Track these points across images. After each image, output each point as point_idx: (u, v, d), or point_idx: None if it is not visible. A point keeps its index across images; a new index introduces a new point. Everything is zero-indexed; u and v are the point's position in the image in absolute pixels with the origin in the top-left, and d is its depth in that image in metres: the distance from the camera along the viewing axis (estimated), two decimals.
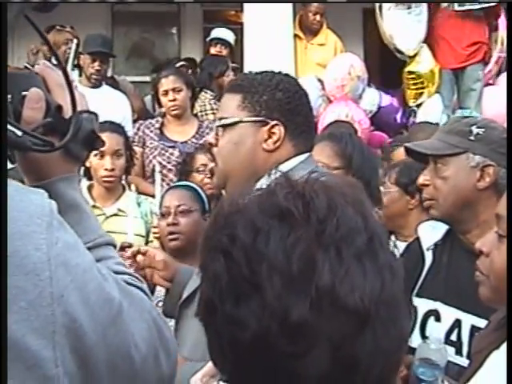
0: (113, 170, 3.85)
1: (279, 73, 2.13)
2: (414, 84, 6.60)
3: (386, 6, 6.71)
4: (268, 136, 2.01)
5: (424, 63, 6.62)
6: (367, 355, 0.90)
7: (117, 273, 1.17)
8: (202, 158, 4.14)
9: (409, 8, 6.60)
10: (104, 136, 4.23)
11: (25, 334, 0.97)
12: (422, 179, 2.36)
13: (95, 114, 1.28)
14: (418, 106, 6.59)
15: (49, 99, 1.21)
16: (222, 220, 0.97)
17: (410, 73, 6.64)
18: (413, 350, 2.18)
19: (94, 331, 1.04)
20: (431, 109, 6.44)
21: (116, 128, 3.93)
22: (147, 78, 7.53)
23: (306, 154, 2.06)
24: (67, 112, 1.22)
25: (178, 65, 6.47)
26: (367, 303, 0.89)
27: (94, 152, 3.75)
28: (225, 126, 2.04)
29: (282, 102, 2.04)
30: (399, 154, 4.16)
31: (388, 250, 0.96)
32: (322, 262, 0.89)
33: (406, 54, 6.65)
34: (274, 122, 2.01)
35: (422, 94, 6.60)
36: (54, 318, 0.99)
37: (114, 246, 1.29)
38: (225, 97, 2.12)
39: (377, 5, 6.76)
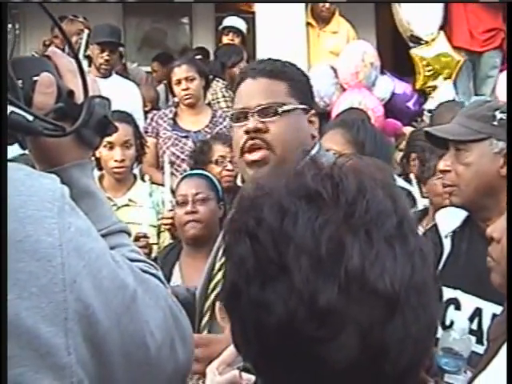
0: (123, 160, 3.82)
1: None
2: (420, 67, 6.59)
3: None
4: (309, 123, 2.10)
5: (433, 48, 6.59)
6: (397, 342, 0.88)
7: (132, 260, 1.15)
8: (220, 149, 4.07)
9: None
10: None
11: (36, 321, 0.95)
12: (442, 165, 2.33)
13: (108, 100, 1.26)
14: (431, 92, 6.55)
15: (60, 84, 1.19)
16: (247, 203, 0.95)
17: (416, 55, 6.63)
18: None
19: (107, 318, 1.02)
20: (443, 95, 6.38)
21: (124, 118, 3.89)
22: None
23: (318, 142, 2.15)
24: (79, 97, 1.21)
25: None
26: (397, 288, 0.87)
27: (104, 143, 3.75)
28: (278, 112, 2.03)
29: (312, 91, 2.15)
30: None
31: (417, 234, 0.93)
32: (351, 244, 0.87)
33: (423, 40, 6.62)
34: (314, 111, 2.11)
35: (429, 77, 6.56)
36: (66, 305, 0.97)
37: (129, 234, 1.27)
38: (262, 82, 2.09)
39: None
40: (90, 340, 1.00)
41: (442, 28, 6.66)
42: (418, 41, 6.67)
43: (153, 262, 1.25)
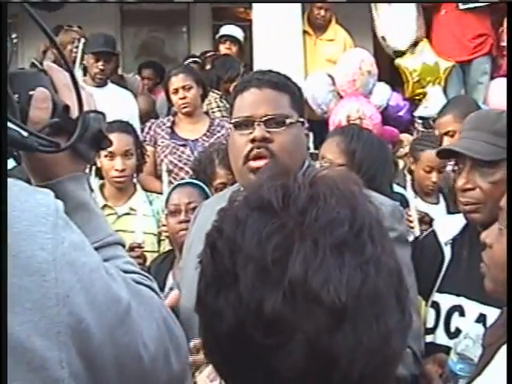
0: (123, 170, 3.85)
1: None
2: (407, 75, 6.65)
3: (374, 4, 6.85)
4: (304, 136, 2.18)
5: (417, 58, 6.65)
6: (347, 351, 0.87)
7: (126, 272, 1.17)
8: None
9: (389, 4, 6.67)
10: (113, 136, 4.20)
11: (30, 335, 0.96)
12: (462, 183, 2.24)
13: (103, 114, 1.28)
14: (421, 99, 6.60)
15: (56, 99, 1.21)
16: (217, 215, 0.98)
17: (400, 65, 6.72)
18: (439, 347, 2.17)
19: (100, 331, 1.04)
20: (433, 102, 6.40)
21: (125, 127, 3.93)
22: None
23: None
24: (74, 112, 1.22)
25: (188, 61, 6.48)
26: (343, 297, 0.86)
27: (105, 153, 3.78)
28: (285, 123, 2.09)
29: (304, 105, 2.23)
30: (432, 156, 4.11)
31: (380, 243, 0.92)
32: (296, 253, 0.87)
33: (398, 51, 6.71)
34: (307, 125, 2.19)
35: (417, 85, 6.62)
36: (59, 319, 0.99)
37: (123, 246, 1.28)
38: (269, 93, 2.12)
39: (372, 5, 6.83)
40: (84, 353, 1.02)
41: (417, 42, 6.72)
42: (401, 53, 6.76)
43: (147, 274, 1.26)
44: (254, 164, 2.06)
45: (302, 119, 2.15)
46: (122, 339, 1.07)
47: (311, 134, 5.49)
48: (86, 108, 1.23)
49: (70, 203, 1.13)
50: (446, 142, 3.78)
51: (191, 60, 6.64)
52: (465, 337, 2.01)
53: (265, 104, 2.11)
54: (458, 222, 2.34)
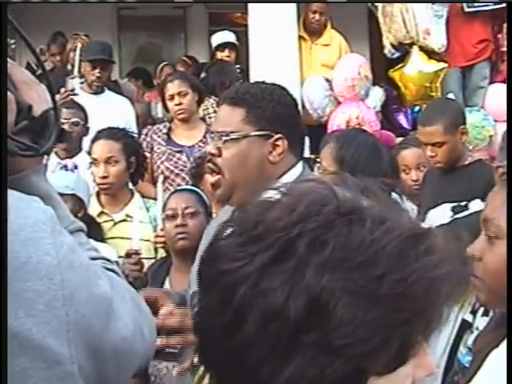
0: (106, 177, 3.83)
1: (275, 85, 2.24)
2: (406, 81, 6.66)
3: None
4: (272, 148, 2.13)
5: (410, 66, 6.67)
6: None
7: (92, 259, 1.22)
8: None
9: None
10: (98, 144, 4.23)
11: (45, 335, 1.03)
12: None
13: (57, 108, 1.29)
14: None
15: (19, 100, 1.21)
16: None
17: (394, 76, 6.72)
18: None
19: (99, 323, 1.11)
20: None
21: (111, 135, 3.91)
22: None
23: (301, 162, 2.21)
24: (37, 110, 1.23)
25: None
26: None
27: (91, 160, 3.82)
28: (227, 140, 2.12)
29: (283, 115, 2.16)
30: (406, 155, 4.12)
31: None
32: None
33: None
34: (278, 136, 2.13)
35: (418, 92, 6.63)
36: (67, 318, 1.05)
37: (84, 231, 1.33)
38: (224, 109, 2.19)
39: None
40: (88, 347, 1.09)
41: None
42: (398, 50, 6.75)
43: (108, 257, 1.33)
44: (209, 179, 2.21)
45: (258, 132, 2.13)
46: (114, 325, 1.14)
47: (307, 139, 5.50)
48: (46, 105, 1.24)
49: (36, 195, 1.17)
50: (430, 153, 3.68)
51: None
52: (473, 330, 2.02)
53: (218, 120, 2.24)
54: (445, 216, 2.36)
